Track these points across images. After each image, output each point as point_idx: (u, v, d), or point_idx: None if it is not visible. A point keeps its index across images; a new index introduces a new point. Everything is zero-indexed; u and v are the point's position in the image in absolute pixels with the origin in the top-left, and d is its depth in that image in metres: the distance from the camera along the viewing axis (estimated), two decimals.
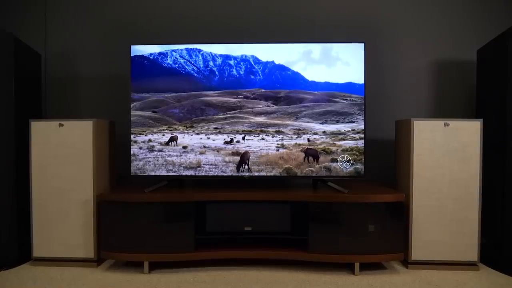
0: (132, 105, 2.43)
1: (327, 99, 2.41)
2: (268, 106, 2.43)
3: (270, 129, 2.42)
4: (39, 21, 2.90)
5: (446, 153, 2.26)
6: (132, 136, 2.43)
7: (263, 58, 2.41)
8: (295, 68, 2.39)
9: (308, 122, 2.42)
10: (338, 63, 2.38)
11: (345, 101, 2.40)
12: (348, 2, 2.85)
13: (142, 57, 2.41)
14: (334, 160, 2.39)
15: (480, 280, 2.14)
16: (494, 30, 2.61)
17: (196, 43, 2.44)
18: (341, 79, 2.38)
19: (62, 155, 2.31)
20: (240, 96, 2.43)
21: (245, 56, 2.42)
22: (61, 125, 2.32)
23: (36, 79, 2.67)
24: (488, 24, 2.77)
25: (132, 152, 2.42)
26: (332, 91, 2.39)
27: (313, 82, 2.39)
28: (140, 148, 2.42)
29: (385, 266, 2.33)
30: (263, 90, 2.43)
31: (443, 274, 2.22)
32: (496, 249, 2.29)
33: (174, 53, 2.43)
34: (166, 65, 2.43)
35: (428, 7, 2.84)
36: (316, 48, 2.39)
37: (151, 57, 2.42)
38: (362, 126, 2.39)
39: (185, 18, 2.87)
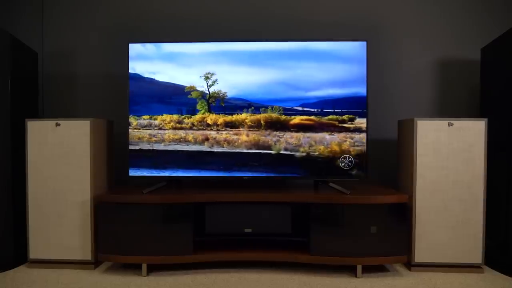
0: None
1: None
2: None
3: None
4: (36, 19, 2.86)
5: (450, 153, 2.22)
6: (130, 135, 2.38)
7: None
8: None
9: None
10: (340, 62, 2.33)
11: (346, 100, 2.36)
12: (350, 1, 2.81)
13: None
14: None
15: (484, 283, 2.10)
16: (498, 28, 2.58)
17: (196, 41, 2.39)
18: (342, 79, 2.33)
19: (59, 155, 2.27)
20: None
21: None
22: (58, 124, 2.28)
23: (32, 78, 2.63)
24: (491, 23, 2.73)
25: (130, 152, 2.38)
26: (333, 91, 2.35)
27: (314, 82, 2.35)
28: (139, 148, 2.38)
29: (388, 269, 2.30)
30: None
31: (447, 276, 2.18)
32: (500, 251, 2.25)
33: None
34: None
35: (431, 6, 2.80)
36: (317, 46, 2.34)
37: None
38: (364, 126, 2.35)
39: (184, 17, 2.83)
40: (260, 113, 2.36)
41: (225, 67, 2.36)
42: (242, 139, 2.35)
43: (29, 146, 2.28)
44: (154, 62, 2.38)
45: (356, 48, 2.34)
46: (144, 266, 2.19)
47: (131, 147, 2.40)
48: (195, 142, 2.37)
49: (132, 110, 2.39)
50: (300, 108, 2.35)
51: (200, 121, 2.39)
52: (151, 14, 2.84)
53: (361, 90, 2.34)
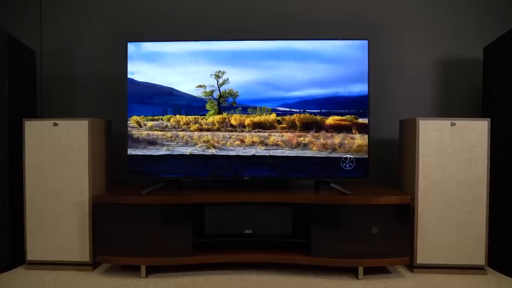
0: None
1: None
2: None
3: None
4: (34, 18, 2.83)
5: (452, 154, 2.20)
6: (129, 135, 2.35)
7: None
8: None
9: None
10: (341, 61, 2.31)
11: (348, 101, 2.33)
12: (351, 1, 2.78)
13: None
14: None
15: (488, 285, 2.08)
16: (500, 27, 2.57)
17: (196, 40, 2.36)
18: (343, 78, 2.31)
19: (56, 155, 2.25)
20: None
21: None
22: (55, 124, 2.25)
23: (30, 77, 2.59)
24: (493, 21, 2.70)
25: (129, 152, 2.35)
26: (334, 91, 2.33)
27: (315, 82, 2.32)
28: (138, 148, 2.35)
29: (390, 270, 2.27)
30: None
31: (449, 278, 2.15)
32: (504, 253, 2.22)
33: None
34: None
35: (432, 6, 2.77)
36: (318, 46, 2.31)
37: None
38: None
39: (184, 16, 2.80)
40: (248, 114, 2.31)
41: (233, 69, 2.32)
42: None
43: (27, 146, 2.26)
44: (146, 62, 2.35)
45: (356, 48, 2.31)
46: (143, 268, 2.17)
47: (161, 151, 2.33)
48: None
49: (134, 111, 2.36)
50: (288, 110, 2.32)
51: (221, 122, 2.30)
52: (150, 13, 2.80)
53: (363, 89, 2.30)
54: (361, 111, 2.30)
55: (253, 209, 2.23)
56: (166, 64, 2.33)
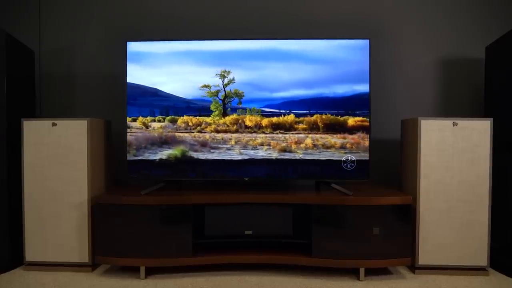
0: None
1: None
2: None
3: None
4: (33, 17, 2.81)
5: (454, 154, 2.18)
6: (128, 135, 2.34)
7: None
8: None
9: None
10: (341, 61, 2.29)
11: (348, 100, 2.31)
12: (351, 0, 2.77)
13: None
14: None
15: (490, 286, 2.06)
16: (501, 26, 2.56)
17: (195, 39, 2.35)
18: (344, 77, 2.29)
19: (55, 155, 2.23)
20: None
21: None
22: (54, 124, 2.24)
23: (29, 77, 2.58)
24: (495, 21, 2.69)
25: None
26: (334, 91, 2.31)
27: (316, 81, 2.30)
28: (137, 148, 2.34)
29: (391, 271, 2.25)
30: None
31: (451, 279, 2.14)
32: (505, 253, 2.21)
33: None
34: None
35: (433, 5, 2.75)
36: (318, 45, 2.30)
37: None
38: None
39: (183, 15, 2.79)
40: (238, 114, 2.27)
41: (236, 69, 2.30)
42: None
43: (25, 146, 2.24)
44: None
45: (357, 48, 2.29)
46: (143, 269, 2.15)
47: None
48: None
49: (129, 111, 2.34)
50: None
51: (233, 123, 2.24)
52: (150, 13, 2.79)
53: (364, 89, 2.29)
54: (363, 111, 2.28)
55: (253, 210, 2.22)
56: (154, 65, 2.31)
